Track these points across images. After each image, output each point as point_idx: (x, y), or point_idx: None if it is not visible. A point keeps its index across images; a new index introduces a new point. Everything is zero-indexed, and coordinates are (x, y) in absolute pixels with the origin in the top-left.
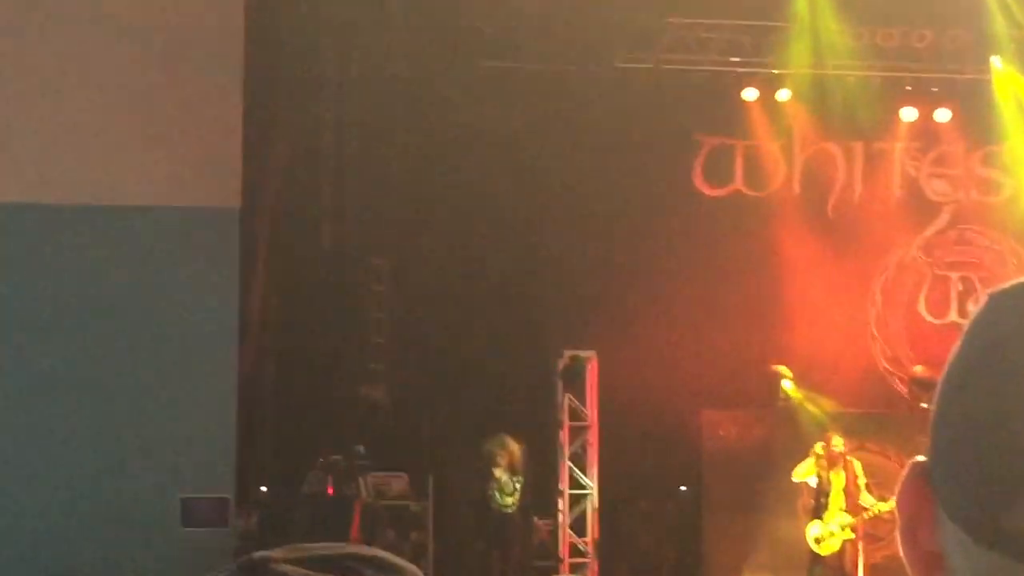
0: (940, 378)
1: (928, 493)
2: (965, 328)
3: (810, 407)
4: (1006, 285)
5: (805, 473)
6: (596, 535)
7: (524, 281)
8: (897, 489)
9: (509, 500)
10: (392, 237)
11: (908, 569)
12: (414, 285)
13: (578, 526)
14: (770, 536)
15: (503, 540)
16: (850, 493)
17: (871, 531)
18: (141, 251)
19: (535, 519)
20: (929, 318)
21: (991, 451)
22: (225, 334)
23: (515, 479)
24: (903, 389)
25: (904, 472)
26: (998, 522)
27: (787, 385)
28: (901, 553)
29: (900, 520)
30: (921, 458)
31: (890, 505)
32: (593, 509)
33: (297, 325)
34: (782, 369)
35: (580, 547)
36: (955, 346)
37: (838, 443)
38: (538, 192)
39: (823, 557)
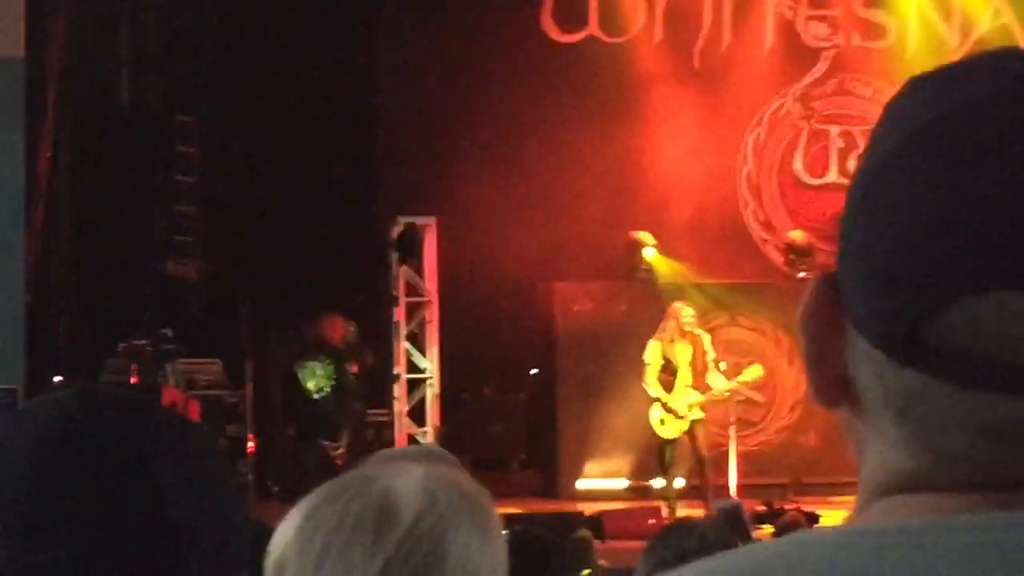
0: (852, 177)
1: (836, 309)
2: (880, 119)
3: (674, 278)
4: (928, 71)
5: (651, 356)
6: (437, 424)
7: (353, 139)
8: (800, 308)
9: (319, 384)
10: (201, 91)
11: (815, 397)
12: (227, 146)
13: (416, 414)
14: (629, 420)
15: (315, 432)
16: (698, 369)
17: (744, 417)
18: None
19: (359, 407)
20: (806, 178)
21: (916, 250)
22: (9, 203)
23: (325, 362)
24: (778, 257)
25: (809, 288)
26: (917, 334)
27: (649, 254)
28: (807, 380)
29: (805, 343)
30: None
31: (735, 384)
32: (433, 395)
33: (93, 192)
34: (643, 236)
35: (419, 438)
36: (866, 142)
37: (687, 315)
38: (368, 37)
39: (672, 440)
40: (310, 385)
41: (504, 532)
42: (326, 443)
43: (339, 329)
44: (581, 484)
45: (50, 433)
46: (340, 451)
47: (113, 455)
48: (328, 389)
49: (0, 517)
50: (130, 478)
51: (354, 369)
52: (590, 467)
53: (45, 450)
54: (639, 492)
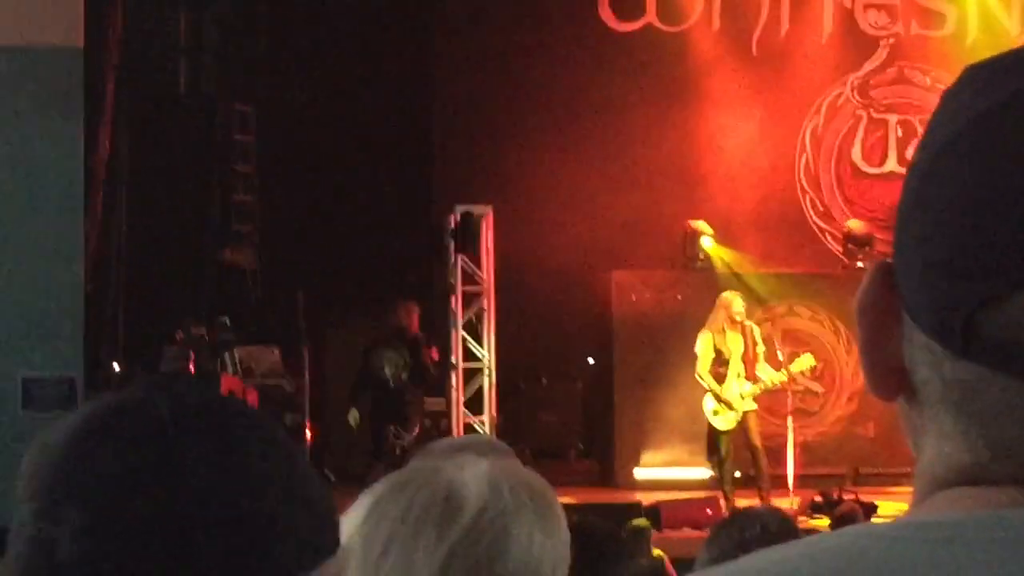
0: (908, 166)
1: (893, 299)
2: (936, 107)
3: (731, 268)
4: (985, 60)
5: (703, 347)
6: (494, 413)
7: (410, 128)
8: (857, 298)
9: (395, 371)
10: (258, 79)
11: (871, 388)
12: (284, 134)
13: (473, 404)
14: (686, 410)
15: (387, 419)
16: (749, 360)
17: (802, 407)
18: None
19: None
20: (865, 167)
21: (972, 240)
22: (69, 191)
23: (402, 349)
24: (836, 246)
25: (866, 277)
26: (975, 325)
27: (706, 243)
28: (863, 371)
29: (861, 333)
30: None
31: (784, 376)
32: (490, 384)
33: (151, 181)
34: (700, 225)
35: (476, 427)
36: (922, 131)
37: (738, 305)
38: (425, 27)
39: (726, 432)
40: (387, 372)
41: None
42: (394, 431)
43: (415, 315)
44: (638, 473)
45: (92, 413)
46: (409, 439)
47: (147, 439)
48: (405, 376)
49: (32, 496)
50: (154, 460)
51: (434, 355)
52: (647, 456)
53: (80, 430)
54: (696, 482)
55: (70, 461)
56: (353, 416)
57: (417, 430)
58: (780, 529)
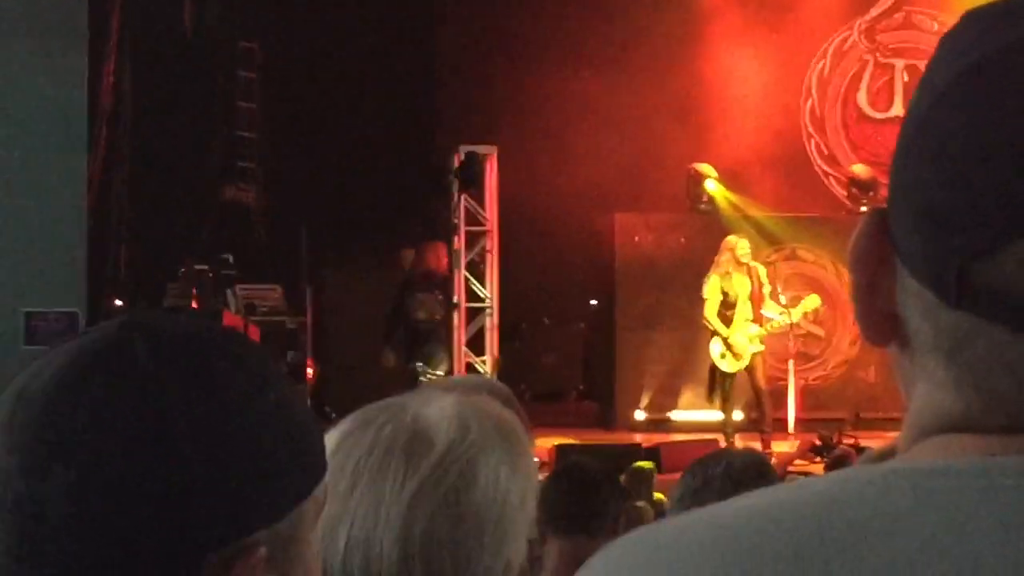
0: (904, 114)
1: (887, 247)
2: (934, 53)
3: (735, 211)
4: (984, 5)
5: (711, 291)
6: (496, 354)
7: (415, 67)
8: (851, 244)
9: (430, 314)
10: (264, 16)
11: (863, 334)
12: (289, 72)
13: (475, 344)
14: (687, 352)
15: (418, 358)
16: (756, 302)
17: (804, 351)
18: None
19: None
20: (870, 112)
21: (967, 189)
22: (73, 128)
23: (435, 291)
24: (841, 191)
25: (860, 224)
26: (969, 275)
27: (710, 186)
28: (856, 316)
29: (854, 279)
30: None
31: (791, 317)
32: (492, 325)
33: (155, 118)
34: (705, 168)
35: (478, 367)
36: (921, 77)
37: (743, 247)
38: None
39: (730, 374)
40: (421, 314)
41: (557, 464)
42: (422, 369)
43: (443, 255)
44: (638, 415)
45: (69, 360)
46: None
47: (128, 386)
48: (439, 316)
49: (15, 448)
50: (134, 408)
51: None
52: (648, 398)
53: (57, 379)
54: (697, 424)
55: (50, 415)
56: (387, 357)
57: (444, 369)
58: (744, 469)
